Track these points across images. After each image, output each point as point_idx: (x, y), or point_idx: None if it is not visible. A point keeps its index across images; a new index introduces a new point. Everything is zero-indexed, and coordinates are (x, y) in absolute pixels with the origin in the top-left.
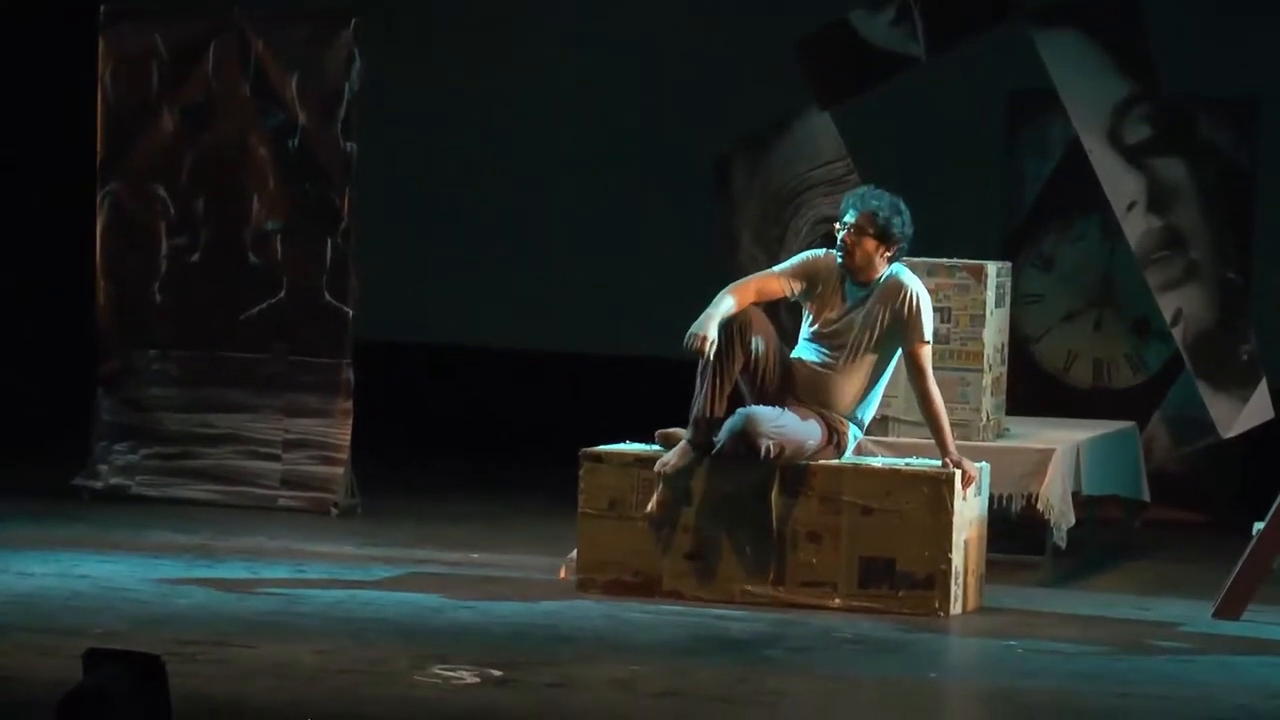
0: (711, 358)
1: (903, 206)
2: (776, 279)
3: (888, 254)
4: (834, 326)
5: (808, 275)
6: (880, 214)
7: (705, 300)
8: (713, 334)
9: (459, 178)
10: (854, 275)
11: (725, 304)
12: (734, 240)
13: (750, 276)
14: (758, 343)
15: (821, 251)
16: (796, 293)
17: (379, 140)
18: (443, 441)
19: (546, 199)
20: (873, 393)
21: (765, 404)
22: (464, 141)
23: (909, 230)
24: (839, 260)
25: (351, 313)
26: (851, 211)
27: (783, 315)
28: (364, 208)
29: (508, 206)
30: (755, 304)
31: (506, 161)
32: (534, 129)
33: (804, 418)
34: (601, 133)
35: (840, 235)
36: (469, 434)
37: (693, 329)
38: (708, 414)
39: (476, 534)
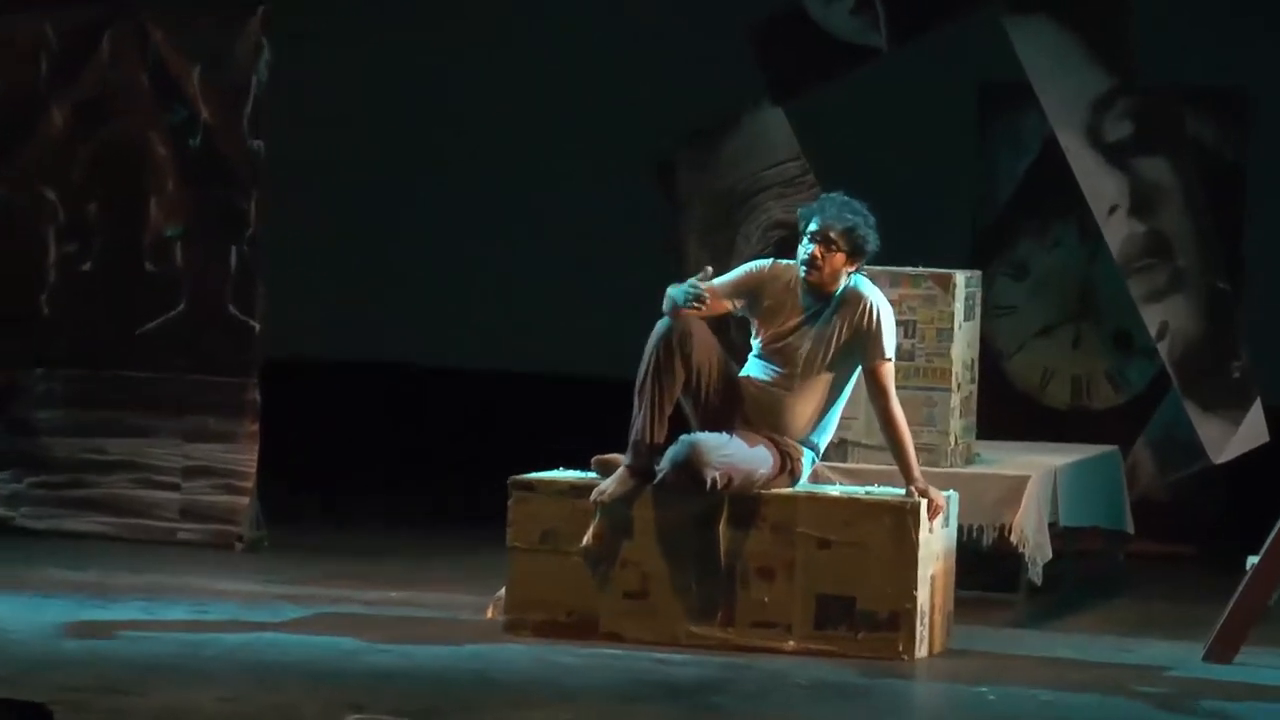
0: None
1: (873, 219)
2: (717, 293)
3: (850, 268)
4: (785, 341)
5: (750, 289)
6: (858, 230)
7: (645, 313)
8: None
9: (377, 180)
10: (816, 289)
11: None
12: (679, 247)
13: None
14: (700, 358)
15: (767, 262)
16: (739, 306)
17: (290, 139)
18: (358, 468)
19: (473, 203)
20: (829, 414)
21: (710, 427)
22: (384, 141)
23: (876, 245)
24: (801, 273)
25: (258, 327)
26: (820, 220)
27: (731, 330)
28: (272, 212)
29: (430, 212)
30: (699, 317)
31: (428, 163)
32: (459, 127)
33: (753, 443)
34: (534, 130)
35: (809, 247)
36: (387, 460)
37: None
38: (648, 438)
39: (395, 570)
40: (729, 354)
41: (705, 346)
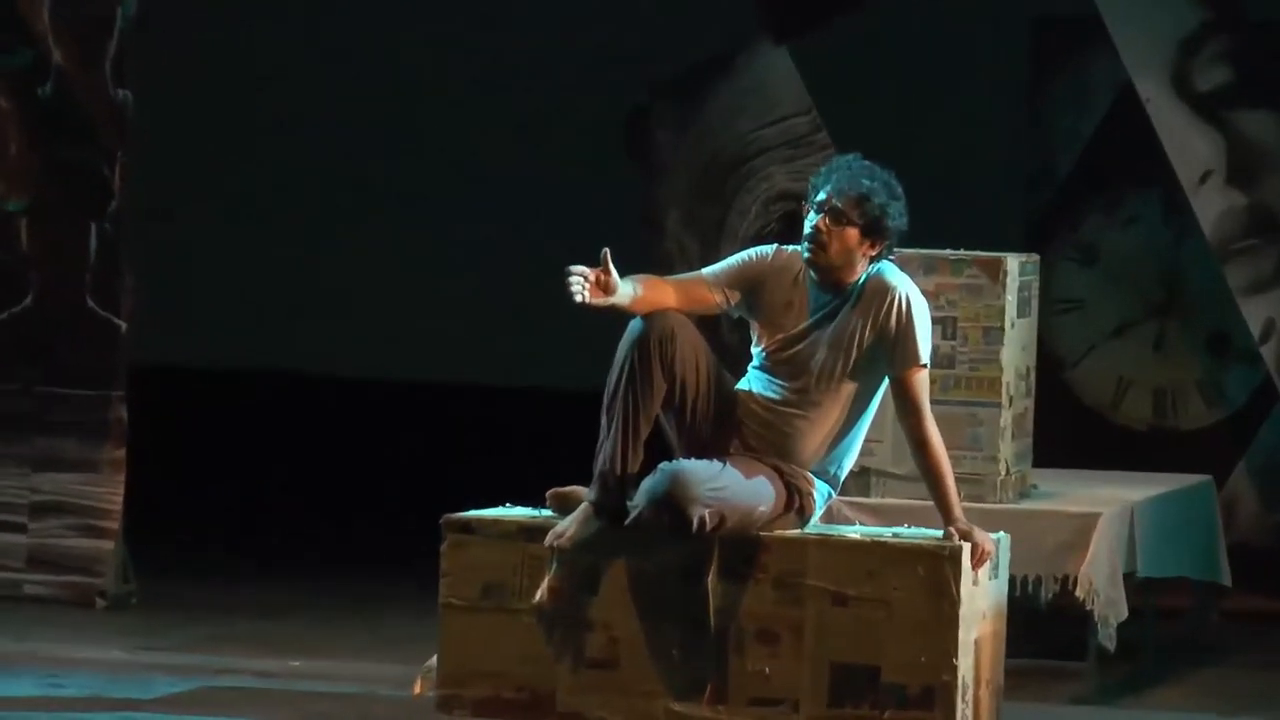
0: (582, 298)
1: (899, 190)
2: (706, 285)
3: (872, 252)
4: (794, 349)
5: (750, 280)
6: (875, 198)
7: (611, 317)
8: (615, 282)
9: (275, 141)
10: (824, 276)
11: (636, 283)
12: (656, 224)
13: (670, 277)
14: (685, 366)
15: (770, 248)
16: (734, 304)
17: (161, 89)
18: (250, 503)
19: (392, 173)
20: (849, 438)
21: (697, 453)
22: (280, 91)
23: (903, 223)
24: (805, 255)
25: (125, 326)
26: (828, 189)
27: (724, 330)
28: (142, 181)
29: (339, 181)
30: (679, 311)
31: (336, 119)
32: (376, 76)
33: (751, 473)
34: (468, 80)
35: (812, 220)
36: (285, 493)
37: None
38: (618, 468)
39: (298, 632)
40: (722, 360)
41: (692, 350)
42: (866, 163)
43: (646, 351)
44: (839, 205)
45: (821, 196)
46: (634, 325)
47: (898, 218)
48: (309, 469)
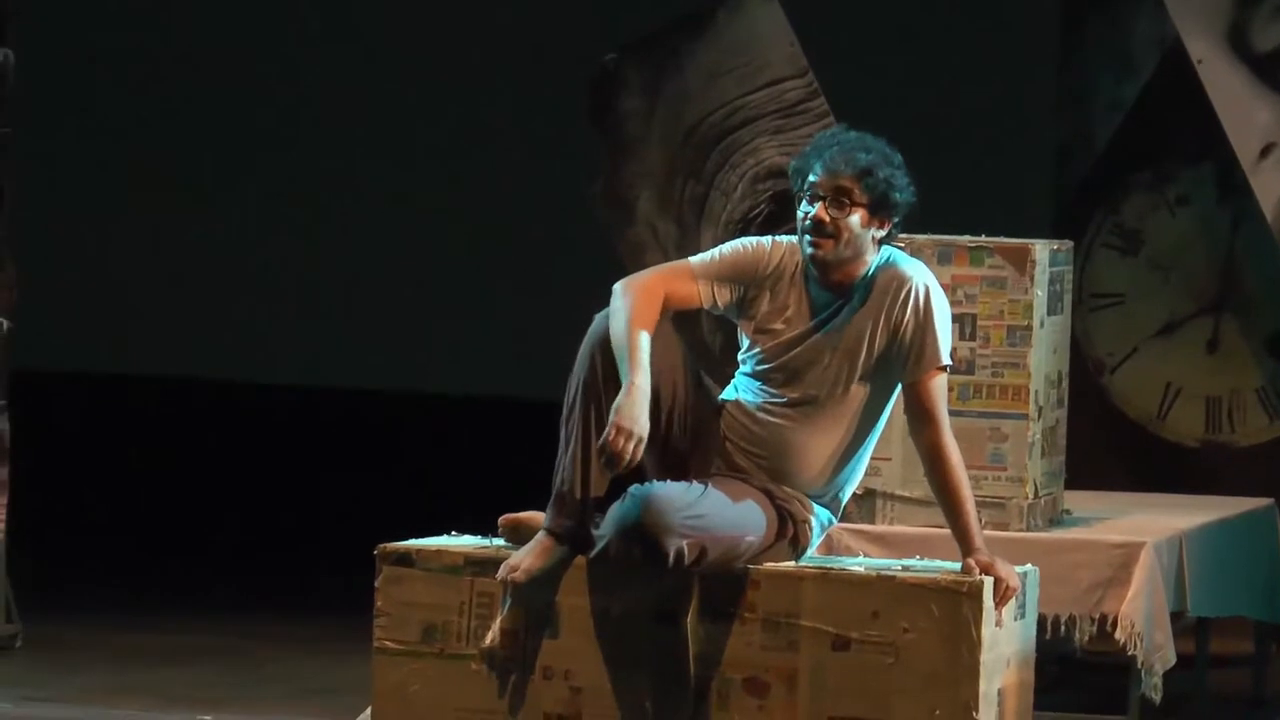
0: (615, 448)
1: (898, 159)
2: (691, 278)
3: (880, 233)
4: (792, 353)
5: (741, 277)
6: (878, 170)
7: (574, 311)
8: (645, 422)
9: (166, 130)
10: (830, 271)
11: (641, 341)
12: (625, 205)
13: (652, 270)
14: (660, 371)
15: (764, 241)
16: (723, 304)
17: (46, 78)
18: (152, 531)
19: (313, 154)
20: (854, 456)
21: (674, 474)
22: (174, 77)
23: (910, 195)
24: (809, 251)
25: (6, 325)
26: (821, 170)
27: (705, 329)
28: (25, 175)
29: (249, 169)
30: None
31: (253, 97)
32: (295, 49)
33: (737, 498)
34: (407, 47)
35: (808, 210)
36: (193, 519)
37: (616, 413)
38: (579, 491)
39: (209, 682)
40: (703, 364)
41: (667, 353)
42: (854, 133)
43: (612, 354)
44: (840, 185)
45: (815, 178)
46: (598, 323)
47: (905, 190)
48: (219, 489)
